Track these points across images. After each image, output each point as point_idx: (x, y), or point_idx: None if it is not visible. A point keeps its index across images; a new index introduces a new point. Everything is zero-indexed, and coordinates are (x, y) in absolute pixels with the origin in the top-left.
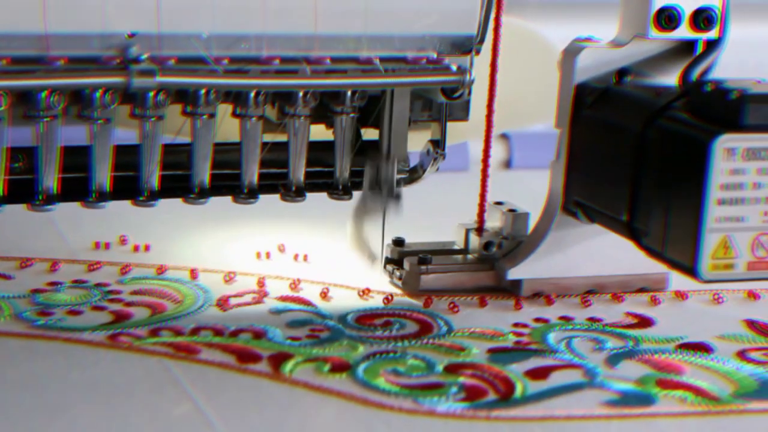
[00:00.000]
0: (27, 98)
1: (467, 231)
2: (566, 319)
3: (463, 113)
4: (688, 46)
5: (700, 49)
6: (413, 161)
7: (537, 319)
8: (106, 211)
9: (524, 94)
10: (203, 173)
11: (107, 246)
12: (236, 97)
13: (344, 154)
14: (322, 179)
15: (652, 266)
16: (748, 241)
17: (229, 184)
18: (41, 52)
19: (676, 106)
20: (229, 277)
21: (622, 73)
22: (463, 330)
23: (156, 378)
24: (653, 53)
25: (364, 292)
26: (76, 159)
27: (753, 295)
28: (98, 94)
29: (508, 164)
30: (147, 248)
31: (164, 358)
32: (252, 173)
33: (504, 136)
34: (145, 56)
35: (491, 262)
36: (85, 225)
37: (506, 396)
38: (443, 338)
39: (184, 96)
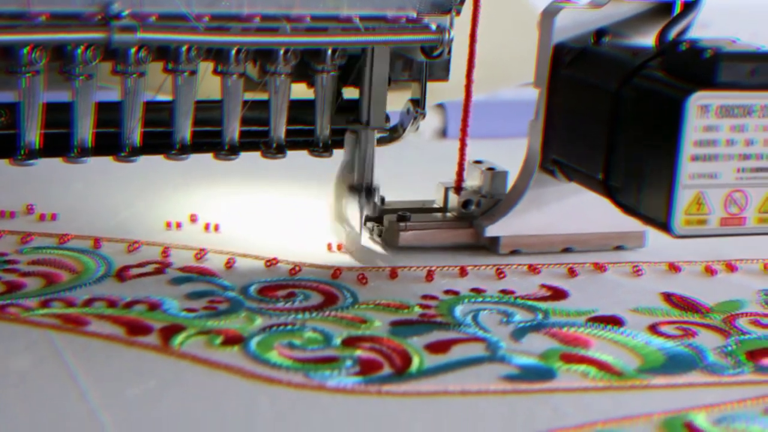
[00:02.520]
0: (9, 54)
1: (446, 189)
2: (477, 291)
3: (443, 73)
4: (665, 7)
5: (677, 9)
6: (393, 121)
7: (447, 291)
8: (15, 179)
9: (502, 56)
10: (184, 130)
11: (12, 215)
12: (217, 55)
13: (324, 112)
14: (303, 137)
15: (629, 224)
16: (722, 197)
17: (210, 141)
18: (22, 8)
19: (651, 65)
20: (134, 247)
21: (600, 33)
22: (368, 302)
23: (37, 350)
24: (631, 14)
25: (271, 262)
26: (59, 115)
27: (674, 268)
28: (80, 50)
29: (444, 133)
30: (53, 217)
31: (50, 330)
32: (233, 130)
33: (440, 106)
34: (126, 12)
35: (470, 220)
36: None
37: (401, 370)
38: (346, 310)
39: (166, 53)
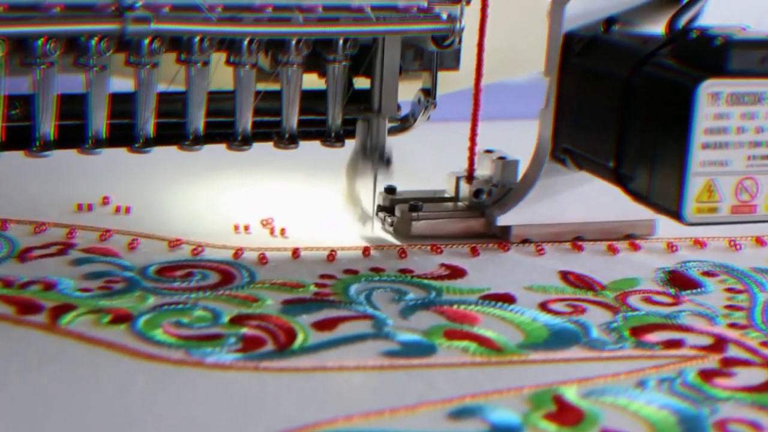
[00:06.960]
0: (24, 45)
1: (458, 179)
2: (377, 270)
3: (454, 62)
4: None
5: None
6: (405, 110)
7: (346, 271)
8: None
9: (511, 45)
10: (197, 121)
11: None
12: (230, 45)
13: (336, 102)
14: (315, 127)
15: (640, 213)
16: (732, 185)
17: (223, 131)
18: (37, 0)
19: (662, 53)
20: (40, 229)
21: (609, 22)
22: (264, 281)
23: None
24: (641, 2)
25: (175, 243)
26: (73, 107)
27: (577, 247)
28: (94, 42)
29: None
30: None
31: None
32: (246, 121)
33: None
34: (140, 3)
35: (481, 209)
36: None
37: (284, 347)
38: (241, 289)
39: (179, 44)
